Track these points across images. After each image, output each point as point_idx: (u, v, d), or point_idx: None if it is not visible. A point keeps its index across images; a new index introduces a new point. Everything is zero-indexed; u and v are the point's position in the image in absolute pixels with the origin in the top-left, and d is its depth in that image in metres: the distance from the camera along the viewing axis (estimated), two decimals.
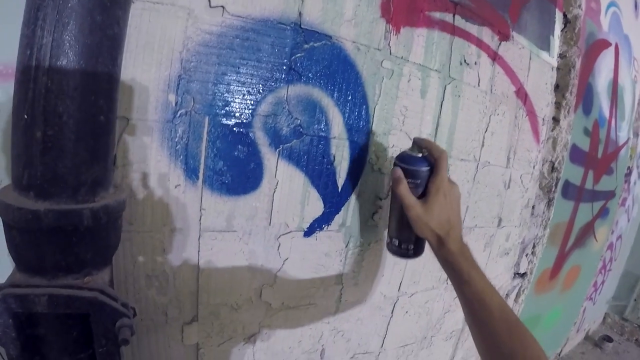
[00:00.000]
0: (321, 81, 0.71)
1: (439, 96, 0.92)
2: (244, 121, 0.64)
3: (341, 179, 0.80)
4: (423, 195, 0.65)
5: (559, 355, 2.58)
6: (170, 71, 0.57)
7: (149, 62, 0.56)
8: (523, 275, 1.57)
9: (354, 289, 0.93)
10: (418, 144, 0.67)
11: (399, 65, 0.82)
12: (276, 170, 0.70)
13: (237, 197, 0.67)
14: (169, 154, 0.60)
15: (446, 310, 1.22)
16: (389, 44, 0.79)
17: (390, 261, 0.99)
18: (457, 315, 1.28)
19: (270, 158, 0.69)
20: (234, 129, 0.64)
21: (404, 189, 0.64)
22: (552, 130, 1.44)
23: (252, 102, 0.64)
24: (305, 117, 0.71)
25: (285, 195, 0.72)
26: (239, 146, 0.65)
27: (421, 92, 0.88)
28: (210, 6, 0.58)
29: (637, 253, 3.02)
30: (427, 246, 0.71)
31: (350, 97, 0.76)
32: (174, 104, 0.59)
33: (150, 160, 0.59)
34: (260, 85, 0.65)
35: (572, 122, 1.50)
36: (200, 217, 0.65)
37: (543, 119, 1.30)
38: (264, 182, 0.69)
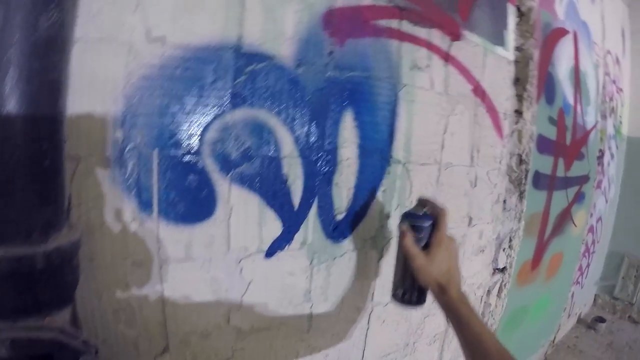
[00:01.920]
0: (267, 102, 0.71)
1: (391, 103, 0.91)
2: (192, 150, 0.64)
3: (297, 197, 0.79)
4: (425, 248, 0.71)
5: (553, 342, 2.60)
6: (115, 108, 0.57)
7: (93, 100, 0.56)
8: (503, 270, 1.57)
9: (325, 304, 0.92)
10: (422, 202, 0.76)
11: (347, 77, 0.81)
12: (229, 195, 0.69)
13: (193, 226, 0.67)
14: (121, 189, 0.59)
15: (425, 314, 1.21)
16: (334, 58, 0.79)
17: (359, 273, 0.98)
18: (438, 318, 1.26)
19: (222, 184, 0.68)
20: (183, 158, 0.64)
21: (410, 242, 0.70)
22: (516, 123, 1.44)
23: (198, 131, 0.64)
24: (253, 140, 0.70)
25: (241, 219, 0.71)
26: (190, 175, 0.65)
27: (372, 102, 0.87)
28: (150, 39, 0.58)
29: (619, 232, 3.06)
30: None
31: (298, 115, 0.75)
32: (121, 140, 0.58)
33: (104, 197, 0.58)
34: (206, 113, 0.64)
35: (536, 113, 1.51)
36: (159, 248, 0.64)
37: (504, 113, 1.31)
38: (218, 208, 0.68)
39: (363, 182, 0.91)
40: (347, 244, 0.93)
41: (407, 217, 0.74)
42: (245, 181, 0.70)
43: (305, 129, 0.77)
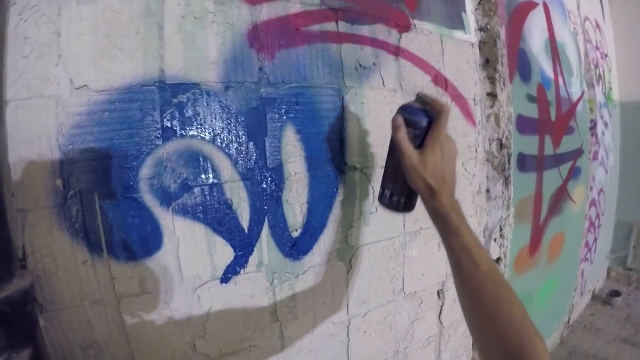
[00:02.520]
0: (198, 130, 0.70)
1: (337, 109, 0.86)
2: (131, 188, 0.65)
3: (245, 220, 0.77)
4: (419, 148, 0.63)
5: (568, 323, 2.52)
6: (53, 158, 0.60)
7: (31, 154, 0.58)
8: (497, 260, 1.51)
9: (295, 322, 0.89)
10: (421, 97, 0.66)
11: (283, 91, 0.78)
12: (174, 227, 0.69)
13: (144, 260, 0.68)
14: (70, 235, 0.62)
15: (413, 319, 1.15)
16: (265, 73, 0.76)
17: (328, 287, 0.93)
18: (429, 321, 1.21)
19: (165, 217, 0.68)
20: (123, 198, 0.65)
21: (403, 136, 0.63)
22: (492, 107, 1.38)
23: (133, 169, 0.65)
24: (190, 170, 0.70)
25: (190, 249, 0.71)
26: (132, 213, 0.66)
27: (314, 111, 0.83)
28: (74, 89, 0.60)
29: (624, 201, 2.96)
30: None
31: (233, 138, 0.73)
32: (62, 188, 0.61)
33: (55, 244, 0.61)
34: (138, 151, 0.65)
35: (511, 94, 1.45)
36: (114, 285, 0.66)
37: (474, 99, 1.25)
38: (165, 241, 0.69)
39: (317, 195, 0.87)
40: (309, 260, 0.89)
41: (402, 110, 0.65)
42: (188, 212, 0.70)
43: (244, 150, 0.75)
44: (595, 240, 2.65)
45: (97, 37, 0.61)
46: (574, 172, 2.09)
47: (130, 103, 0.64)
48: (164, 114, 0.66)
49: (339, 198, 0.90)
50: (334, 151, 0.87)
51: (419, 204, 0.68)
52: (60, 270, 0.62)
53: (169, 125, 0.67)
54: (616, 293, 2.84)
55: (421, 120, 0.63)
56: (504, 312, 0.49)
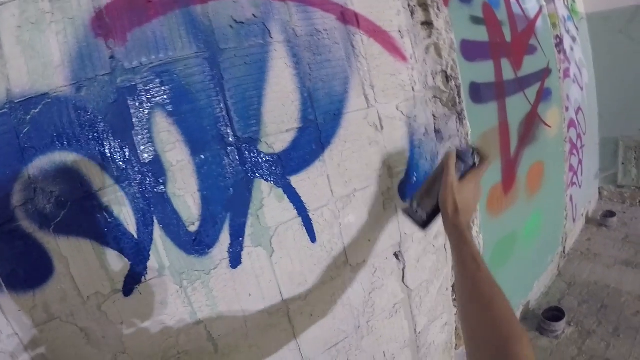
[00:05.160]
0: (58, 142, 0.63)
1: (214, 77, 0.73)
2: (8, 219, 0.62)
3: (131, 224, 0.69)
4: (460, 180, 0.76)
5: (564, 252, 2.43)
6: None
7: None
8: None
9: (220, 321, 0.81)
10: (475, 148, 0.81)
11: (144, 74, 0.68)
12: (59, 248, 0.65)
13: (41, 287, 0.65)
14: None
15: (369, 290, 1.03)
16: (118, 61, 0.66)
17: (250, 277, 0.81)
18: (390, 288, 1.09)
19: (49, 240, 0.64)
20: (3, 230, 0.61)
21: (453, 163, 0.76)
22: (429, 37, 1.21)
23: (5, 199, 0.61)
24: (60, 186, 0.64)
25: (82, 267, 0.66)
26: (16, 244, 0.62)
27: (186, 86, 0.70)
28: None
29: (606, 117, 2.81)
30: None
31: (96, 141, 0.65)
32: None
33: None
34: (4, 179, 0.61)
35: (449, 19, 1.27)
36: (21, 317, 0.64)
37: (399, 31, 1.07)
38: (55, 264, 0.65)
39: (209, 180, 0.74)
40: (219, 252, 0.78)
41: (458, 149, 0.80)
42: (70, 230, 0.65)
43: (109, 152, 0.66)
44: (580, 162, 2.52)
45: None
46: (544, 94, 1.93)
47: None
48: (21, 135, 0.61)
49: (238, 177, 0.76)
50: (220, 126, 0.74)
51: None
52: None
53: (28, 144, 0.62)
54: (610, 214, 2.74)
55: (468, 159, 0.77)
56: (496, 305, 0.57)
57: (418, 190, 0.82)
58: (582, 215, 2.74)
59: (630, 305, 1.95)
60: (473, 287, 0.61)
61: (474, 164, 0.77)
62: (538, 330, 1.91)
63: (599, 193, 3.06)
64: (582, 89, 2.50)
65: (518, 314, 1.97)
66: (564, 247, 2.41)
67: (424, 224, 0.79)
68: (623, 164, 2.82)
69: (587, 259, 2.42)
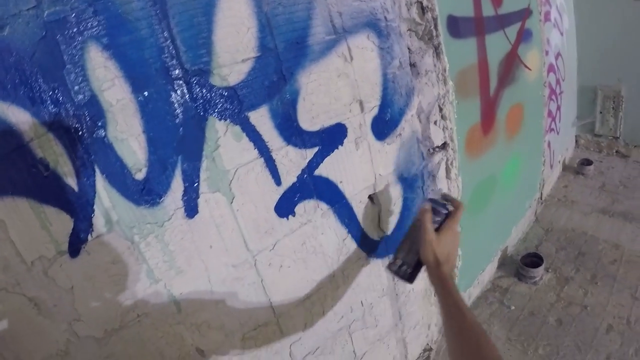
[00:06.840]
0: None
1: (157, 2, 0.63)
2: None
3: (70, 176, 0.61)
4: (436, 231, 0.78)
5: (541, 198, 2.43)
6: None
7: None
8: (443, 146, 1.31)
9: (182, 277, 0.75)
10: (445, 195, 0.84)
11: (73, 4, 0.57)
12: None
13: None
14: None
15: (344, 236, 0.97)
16: None
17: (210, 226, 0.74)
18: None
19: None
20: None
21: (429, 219, 0.78)
22: None
23: None
24: None
25: (21, 230, 0.59)
26: None
27: (123, 14, 0.61)
28: None
29: (585, 65, 2.75)
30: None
31: (24, 85, 0.56)
32: None
33: None
34: None
35: None
36: None
37: None
38: None
39: (155, 120, 0.66)
40: (172, 200, 0.70)
41: (431, 200, 0.82)
42: (2, 189, 0.57)
43: (39, 96, 0.57)
44: (558, 108, 2.48)
45: None
46: (524, 35, 1.84)
47: None
48: None
49: (189, 114, 0.67)
50: (164, 58, 0.64)
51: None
52: None
53: None
54: (587, 162, 2.74)
55: (442, 210, 0.79)
56: (482, 353, 0.58)
57: (399, 247, 0.83)
58: (560, 162, 2.74)
59: (607, 253, 1.97)
60: (460, 333, 0.63)
61: (448, 212, 0.79)
62: (516, 276, 1.92)
63: (576, 141, 3.06)
64: (562, 34, 2.42)
65: (496, 260, 1.97)
66: (542, 194, 2.41)
67: (410, 278, 0.80)
68: (601, 112, 2.80)
69: (564, 205, 2.44)
